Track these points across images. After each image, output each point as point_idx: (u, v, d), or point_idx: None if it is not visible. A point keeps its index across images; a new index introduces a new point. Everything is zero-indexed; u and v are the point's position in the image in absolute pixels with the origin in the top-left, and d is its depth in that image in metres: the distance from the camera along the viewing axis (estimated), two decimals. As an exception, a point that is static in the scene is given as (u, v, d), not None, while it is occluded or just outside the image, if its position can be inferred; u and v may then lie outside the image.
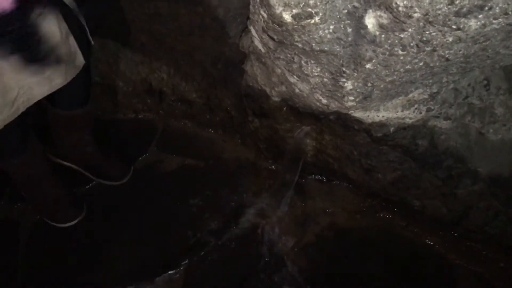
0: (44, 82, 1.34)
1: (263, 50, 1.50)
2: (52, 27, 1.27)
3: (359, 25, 1.14)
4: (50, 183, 1.83)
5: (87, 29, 1.47)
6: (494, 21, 0.99)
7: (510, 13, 0.97)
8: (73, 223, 1.85)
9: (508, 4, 0.95)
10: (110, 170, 1.98)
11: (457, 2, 0.96)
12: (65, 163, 1.97)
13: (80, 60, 1.43)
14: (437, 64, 1.17)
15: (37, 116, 1.83)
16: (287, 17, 1.15)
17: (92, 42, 1.53)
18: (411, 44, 1.10)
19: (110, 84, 2.15)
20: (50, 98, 1.55)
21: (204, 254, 1.82)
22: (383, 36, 1.12)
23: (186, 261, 1.79)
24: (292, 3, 1.11)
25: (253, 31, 1.46)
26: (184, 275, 1.77)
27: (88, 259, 1.79)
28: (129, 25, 1.94)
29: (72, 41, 1.37)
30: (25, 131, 1.61)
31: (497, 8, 0.96)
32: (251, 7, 1.36)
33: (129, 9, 1.88)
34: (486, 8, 0.96)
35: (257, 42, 1.50)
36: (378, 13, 1.08)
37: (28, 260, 1.79)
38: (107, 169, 1.97)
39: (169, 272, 1.77)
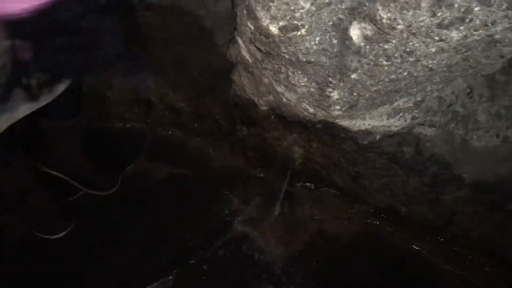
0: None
1: (250, 60, 1.52)
2: None
3: (344, 36, 1.16)
4: (38, 195, 1.82)
5: None
6: (475, 33, 1.02)
7: (489, 25, 0.99)
8: (61, 234, 1.84)
9: (488, 17, 0.98)
10: (98, 180, 1.97)
11: (439, 14, 0.99)
12: (53, 172, 1.96)
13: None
14: (421, 73, 1.20)
15: (25, 125, 1.82)
16: (273, 29, 1.16)
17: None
18: (395, 54, 1.12)
19: (97, 93, 2.14)
20: (40, 109, 1.55)
21: (194, 263, 1.81)
22: (367, 47, 1.14)
23: (176, 271, 1.79)
24: (279, 15, 1.13)
25: (240, 42, 1.48)
26: (173, 284, 1.76)
27: (76, 270, 1.77)
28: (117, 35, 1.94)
29: None
30: (11, 144, 1.60)
31: (477, 20, 0.99)
32: (238, 18, 1.38)
33: (116, 19, 1.88)
34: (467, 20, 0.99)
35: (244, 53, 1.52)
36: (363, 25, 1.11)
37: (14, 272, 1.77)
38: (95, 179, 1.97)
39: (159, 282, 1.76)
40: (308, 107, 1.46)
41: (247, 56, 1.51)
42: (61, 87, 1.40)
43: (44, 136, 1.81)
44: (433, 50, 1.09)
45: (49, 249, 1.82)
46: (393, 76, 1.21)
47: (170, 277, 1.76)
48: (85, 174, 1.96)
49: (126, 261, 1.80)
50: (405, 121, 1.50)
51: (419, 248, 1.87)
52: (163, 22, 1.83)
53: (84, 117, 1.81)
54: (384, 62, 1.15)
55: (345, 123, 1.49)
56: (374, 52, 1.14)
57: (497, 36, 1.06)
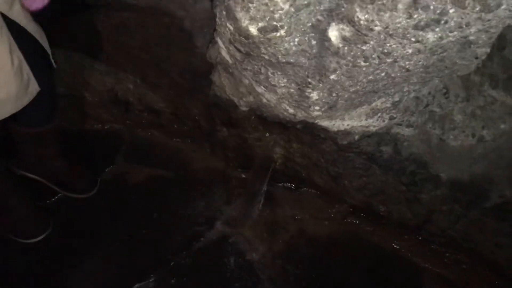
0: None
1: (230, 61, 1.52)
2: (2, 60, 1.27)
3: (323, 37, 1.17)
4: (14, 199, 1.78)
5: (49, 53, 1.47)
6: (450, 34, 1.04)
7: (464, 26, 1.01)
8: (39, 238, 1.81)
9: (462, 18, 1.00)
10: (77, 183, 1.94)
11: (415, 16, 1.00)
12: (30, 175, 1.92)
13: (34, 87, 1.43)
14: (398, 74, 1.21)
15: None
16: (253, 30, 1.17)
17: (55, 66, 1.53)
18: (373, 56, 1.14)
19: (76, 95, 2.11)
20: (13, 116, 1.52)
21: (174, 265, 1.80)
22: (346, 48, 1.15)
23: (156, 273, 1.77)
24: (258, 16, 1.13)
25: (220, 43, 1.48)
26: (154, 286, 1.75)
27: (54, 275, 1.74)
28: (95, 36, 1.92)
29: (26, 69, 1.37)
30: None
31: (452, 22, 1.01)
32: (217, 19, 1.38)
33: (94, 19, 1.86)
34: (442, 21, 1.01)
35: (224, 53, 1.51)
36: (341, 26, 1.12)
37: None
38: (74, 182, 1.94)
39: (139, 285, 1.74)
40: (288, 107, 1.47)
41: (227, 57, 1.51)
42: None
43: (20, 141, 1.78)
44: (410, 51, 1.11)
45: (27, 253, 1.79)
46: (371, 77, 1.22)
47: (151, 280, 1.75)
48: (64, 177, 1.93)
49: (105, 264, 1.78)
50: (383, 121, 1.52)
51: (398, 247, 1.90)
52: (141, 23, 1.82)
53: (60, 120, 1.79)
54: (362, 63, 1.16)
55: (324, 123, 1.50)
56: (352, 53, 1.15)
57: (472, 38, 1.08)
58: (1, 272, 1.75)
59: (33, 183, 1.92)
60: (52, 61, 1.51)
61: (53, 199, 1.95)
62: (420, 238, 1.86)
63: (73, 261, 1.79)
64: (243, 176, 2.10)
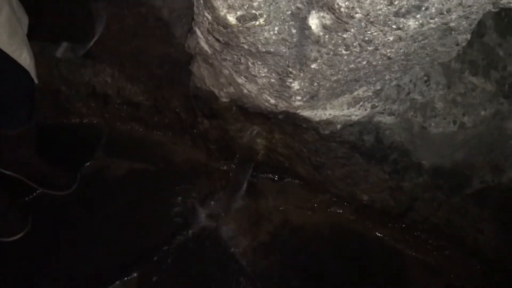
0: None
1: (209, 51, 1.49)
2: None
3: (303, 26, 1.15)
4: None
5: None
6: (431, 21, 1.03)
7: (445, 13, 1.00)
8: (18, 236, 1.76)
9: (443, 5, 0.99)
10: (56, 179, 1.90)
11: (396, 2, 0.99)
12: (7, 172, 1.87)
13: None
14: (380, 62, 1.20)
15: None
16: (231, 19, 1.14)
17: (36, 81, 1.49)
18: (354, 44, 1.12)
19: (52, 88, 2.06)
20: None
21: (158, 259, 1.79)
22: (326, 36, 1.13)
23: (140, 267, 1.75)
24: (236, 5, 1.11)
25: (198, 32, 1.45)
26: (137, 282, 1.73)
27: (34, 272, 1.71)
28: (70, 27, 1.87)
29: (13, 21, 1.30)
30: None
31: (433, 8, 1.00)
32: (195, 8, 1.35)
33: (69, 10, 1.81)
34: (423, 8, 0.99)
35: (203, 43, 1.48)
36: (321, 14, 1.10)
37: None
38: (53, 178, 1.90)
39: (122, 280, 1.72)
40: (269, 98, 1.45)
41: (206, 47, 1.48)
42: None
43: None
44: (391, 38, 1.09)
45: (6, 250, 1.75)
46: (352, 66, 1.21)
47: (134, 275, 1.73)
48: (43, 175, 1.89)
49: (87, 260, 1.75)
50: (365, 110, 1.51)
51: (381, 235, 1.91)
52: (117, 13, 1.78)
53: (38, 117, 1.74)
54: (343, 52, 1.15)
55: (306, 113, 1.49)
56: (333, 41, 1.13)
57: (452, 24, 1.07)
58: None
59: (11, 180, 1.88)
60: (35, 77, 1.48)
61: (31, 196, 1.91)
62: (403, 225, 1.87)
63: (52, 259, 1.75)
64: (226, 168, 2.08)
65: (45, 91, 2.05)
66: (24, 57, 1.36)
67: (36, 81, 1.49)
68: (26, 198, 1.91)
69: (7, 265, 1.72)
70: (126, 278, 1.73)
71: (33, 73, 1.43)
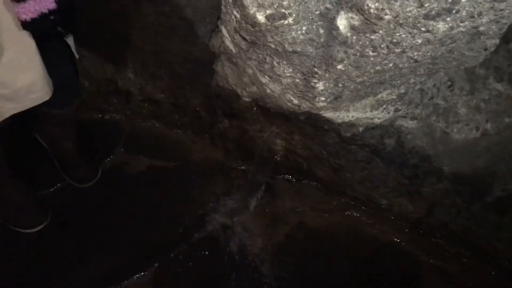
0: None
1: (234, 50, 1.50)
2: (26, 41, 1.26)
3: (331, 26, 1.15)
4: (13, 188, 1.76)
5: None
6: (461, 24, 1.03)
7: (475, 16, 1.00)
8: (37, 229, 1.79)
9: (474, 8, 0.99)
10: (80, 170, 1.94)
11: (426, 5, 0.99)
12: (43, 143, 1.94)
13: (51, 85, 1.41)
14: (406, 65, 1.20)
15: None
16: (260, 17, 1.15)
17: (77, 56, 1.57)
18: (382, 45, 1.12)
19: (75, 83, 2.09)
20: None
21: (173, 256, 1.80)
22: (354, 37, 1.14)
23: (155, 264, 1.76)
24: (266, 3, 1.12)
25: (224, 31, 1.46)
26: (153, 278, 1.74)
27: (52, 265, 1.73)
28: (94, 24, 1.89)
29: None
30: None
31: (464, 11, 0.99)
32: (222, 7, 1.36)
33: (94, 7, 1.84)
34: (454, 11, 0.99)
35: (228, 42, 1.49)
36: (350, 14, 1.10)
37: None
38: (77, 168, 1.93)
39: (138, 276, 1.73)
40: (292, 98, 1.45)
41: (231, 46, 1.49)
42: None
43: (38, 116, 1.77)
44: (419, 41, 1.09)
45: (24, 242, 1.77)
46: (378, 67, 1.21)
47: (150, 270, 1.74)
48: (69, 161, 1.93)
49: (104, 255, 1.77)
50: (388, 113, 1.51)
51: (398, 240, 1.90)
52: (141, 11, 1.80)
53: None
54: (371, 53, 1.15)
55: (329, 114, 1.49)
56: (360, 42, 1.14)
57: (482, 28, 1.07)
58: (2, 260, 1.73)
59: (31, 172, 1.91)
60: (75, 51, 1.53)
61: (52, 189, 1.94)
62: (421, 231, 1.86)
63: (69, 252, 1.77)
64: (243, 167, 2.09)
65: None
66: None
67: (76, 56, 1.54)
68: (46, 192, 1.93)
69: (25, 256, 1.75)
70: (141, 274, 1.74)
71: (73, 48, 1.47)
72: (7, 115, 1.33)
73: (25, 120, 1.75)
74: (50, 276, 1.70)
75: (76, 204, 1.90)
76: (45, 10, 1.23)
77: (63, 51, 1.52)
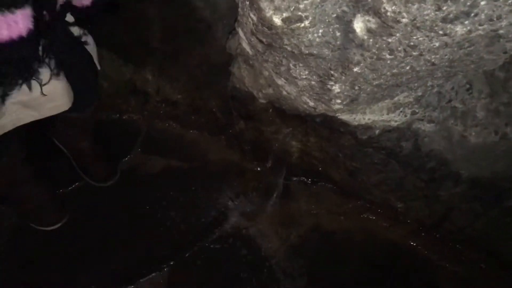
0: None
1: (251, 53, 1.50)
2: None
3: (348, 29, 1.15)
4: (33, 187, 1.80)
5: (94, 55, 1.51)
6: (479, 27, 1.01)
7: (495, 19, 0.99)
8: (56, 226, 1.82)
9: (494, 11, 0.97)
10: (98, 170, 1.97)
11: (444, 8, 0.98)
12: (60, 145, 1.96)
13: (71, 96, 1.42)
14: (423, 68, 1.19)
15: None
16: (277, 20, 1.15)
17: (99, 67, 1.58)
18: (399, 48, 1.12)
19: (93, 84, 2.12)
20: None
21: (189, 256, 1.81)
22: (371, 40, 1.13)
23: (171, 263, 1.78)
24: (282, 6, 1.12)
25: (241, 33, 1.46)
26: (168, 277, 1.76)
27: (70, 262, 1.76)
28: (114, 26, 1.92)
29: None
30: (7, 134, 1.58)
31: (483, 14, 0.98)
32: (239, 9, 1.36)
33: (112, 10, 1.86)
34: (472, 14, 0.98)
35: (245, 45, 1.50)
36: (367, 17, 1.10)
37: (7, 262, 1.76)
38: (95, 168, 1.96)
39: (153, 274, 1.75)
40: (308, 100, 1.45)
41: (248, 48, 1.50)
42: None
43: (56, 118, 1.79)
44: (437, 44, 1.08)
45: (42, 239, 1.80)
46: (395, 70, 1.20)
47: (165, 270, 1.76)
48: (87, 162, 1.95)
49: (121, 253, 1.79)
50: (405, 116, 1.50)
51: (414, 244, 1.88)
52: (159, 13, 1.82)
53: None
54: (387, 56, 1.14)
55: (345, 117, 1.48)
56: (377, 45, 1.13)
57: (501, 31, 1.05)
58: (14, 255, 1.78)
59: (49, 171, 1.94)
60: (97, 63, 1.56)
61: (70, 188, 1.97)
62: (437, 235, 1.84)
63: (87, 249, 1.80)
64: (259, 169, 2.09)
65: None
66: (88, 41, 1.43)
67: (98, 67, 1.56)
68: (64, 190, 1.96)
69: (43, 252, 1.78)
70: (157, 273, 1.76)
71: (95, 58, 1.49)
72: (25, 121, 1.35)
73: (41, 122, 1.79)
74: (66, 272, 1.73)
75: (93, 203, 1.93)
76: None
77: (85, 62, 1.53)
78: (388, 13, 1.03)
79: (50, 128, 1.92)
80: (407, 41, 1.09)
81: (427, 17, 1.01)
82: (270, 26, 1.19)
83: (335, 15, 1.15)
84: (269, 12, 1.15)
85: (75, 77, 1.40)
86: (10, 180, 1.74)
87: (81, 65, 1.49)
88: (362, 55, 1.18)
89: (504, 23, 1.00)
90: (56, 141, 1.95)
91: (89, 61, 1.52)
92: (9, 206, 1.86)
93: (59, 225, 1.83)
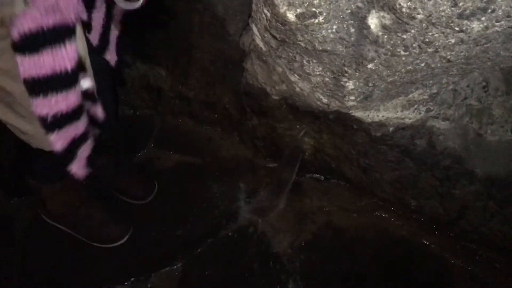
0: None
1: (264, 49, 1.50)
2: None
3: (362, 25, 1.14)
4: (92, 206, 1.80)
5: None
6: (496, 24, 1.00)
7: (512, 15, 0.98)
8: (124, 240, 1.82)
9: (511, 7, 0.96)
10: (135, 189, 1.95)
11: (460, 4, 0.97)
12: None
13: None
14: (438, 65, 1.18)
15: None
16: (291, 16, 1.15)
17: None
18: (414, 45, 1.11)
19: (108, 80, 2.13)
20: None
21: (201, 252, 1.81)
22: (385, 36, 1.12)
23: (183, 258, 1.79)
24: (297, 2, 1.12)
25: (254, 29, 1.46)
26: (181, 272, 1.76)
27: (84, 255, 1.78)
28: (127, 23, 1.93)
29: None
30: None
31: (500, 10, 0.97)
32: (253, 5, 1.36)
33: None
34: (489, 10, 0.97)
35: (258, 41, 1.50)
36: (382, 13, 1.09)
37: (24, 256, 1.78)
38: (132, 188, 1.95)
39: (166, 269, 1.76)
40: (321, 97, 1.45)
41: (261, 44, 1.50)
42: None
43: None
44: (453, 41, 1.07)
45: (57, 233, 1.82)
46: (410, 67, 1.19)
47: (178, 265, 1.77)
48: (121, 185, 1.95)
49: (134, 247, 1.80)
50: (420, 113, 1.49)
51: (428, 242, 1.86)
52: (173, 9, 1.82)
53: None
54: (402, 52, 1.14)
55: (358, 114, 1.47)
56: (392, 42, 1.12)
57: (519, 28, 1.04)
58: (31, 249, 1.79)
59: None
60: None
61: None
62: (451, 234, 1.82)
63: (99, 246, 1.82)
64: (271, 165, 2.09)
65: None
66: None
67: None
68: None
69: (58, 246, 1.80)
70: (169, 268, 1.77)
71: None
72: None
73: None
74: (80, 265, 1.75)
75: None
76: None
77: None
78: (404, 9, 1.02)
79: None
80: (422, 38, 1.08)
81: (443, 13, 1.00)
82: (284, 22, 1.19)
83: (349, 11, 1.14)
84: (283, 8, 1.15)
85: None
86: (72, 200, 1.74)
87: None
88: (376, 51, 1.17)
89: (522, 19, 0.98)
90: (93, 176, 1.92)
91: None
92: (70, 229, 1.83)
93: (126, 238, 1.82)
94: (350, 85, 1.30)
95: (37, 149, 1.26)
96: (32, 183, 1.63)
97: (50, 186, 1.64)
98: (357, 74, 1.25)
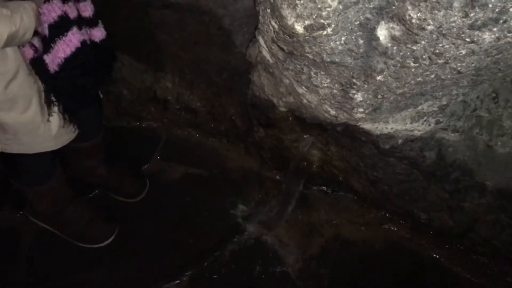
0: None
1: (271, 61, 1.49)
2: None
3: (371, 36, 1.13)
4: (78, 206, 1.82)
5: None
6: (508, 34, 0.98)
7: (525, 26, 0.96)
8: (109, 240, 1.83)
9: (524, 18, 0.94)
10: (125, 187, 1.96)
11: (471, 15, 0.95)
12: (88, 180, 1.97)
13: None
14: (449, 76, 1.16)
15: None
16: (299, 28, 1.14)
17: (101, 96, 1.66)
18: (424, 56, 1.09)
19: (114, 91, 2.14)
20: None
21: (208, 265, 1.80)
22: (395, 48, 1.11)
23: (190, 272, 1.77)
24: (305, 14, 1.11)
25: (261, 41, 1.46)
26: (188, 286, 1.74)
27: (90, 269, 1.76)
28: (134, 34, 1.93)
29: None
30: (53, 155, 1.60)
31: (512, 21, 0.96)
32: (260, 17, 1.36)
33: (134, 17, 1.87)
34: (501, 21, 0.95)
35: (265, 52, 1.49)
36: (391, 25, 1.08)
37: (29, 268, 1.77)
38: (122, 186, 1.95)
39: (174, 283, 1.74)
40: (329, 109, 1.43)
41: (268, 56, 1.49)
42: None
43: (67, 153, 1.79)
44: (463, 52, 1.06)
45: (63, 245, 1.81)
46: (419, 79, 1.18)
47: (184, 279, 1.75)
48: (112, 183, 1.95)
49: (140, 261, 1.78)
50: (429, 125, 1.47)
51: (437, 256, 1.83)
52: (181, 21, 1.82)
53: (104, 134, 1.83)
54: (412, 64, 1.12)
55: (367, 126, 1.46)
56: (401, 53, 1.11)
57: (531, 39, 1.02)
58: (36, 261, 1.78)
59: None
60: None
61: (90, 195, 1.97)
62: (461, 247, 1.79)
63: (106, 257, 1.80)
64: (278, 177, 2.08)
65: (108, 94, 2.12)
66: None
67: (101, 95, 1.62)
68: (84, 198, 1.97)
69: (63, 258, 1.79)
70: (176, 281, 1.75)
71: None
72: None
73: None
74: (86, 279, 1.74)
75: (112, 209, 1.93)
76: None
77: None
78: (413, 20, 1.01)
79: (67, 166, 1.87)
80: (432, 49, 1.07)
81: (453, 24, 0.98)
82: (292, 33, 1.18)
83: (358, 22, 1.13)
84: (291, 20, 1.14)
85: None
86: (58, 201, 1.75)
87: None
88: (385, 63, 1.15)
89: (534, 30, 0.97)
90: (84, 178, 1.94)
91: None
92: (56, 229, 1.83)
93: (111, 238, 1.83)
94: (358, 97, 1.29)
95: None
96: (17, 185, 1.66)
97: (36, 188, 1.66)
98: (366, 86, 1.24)
